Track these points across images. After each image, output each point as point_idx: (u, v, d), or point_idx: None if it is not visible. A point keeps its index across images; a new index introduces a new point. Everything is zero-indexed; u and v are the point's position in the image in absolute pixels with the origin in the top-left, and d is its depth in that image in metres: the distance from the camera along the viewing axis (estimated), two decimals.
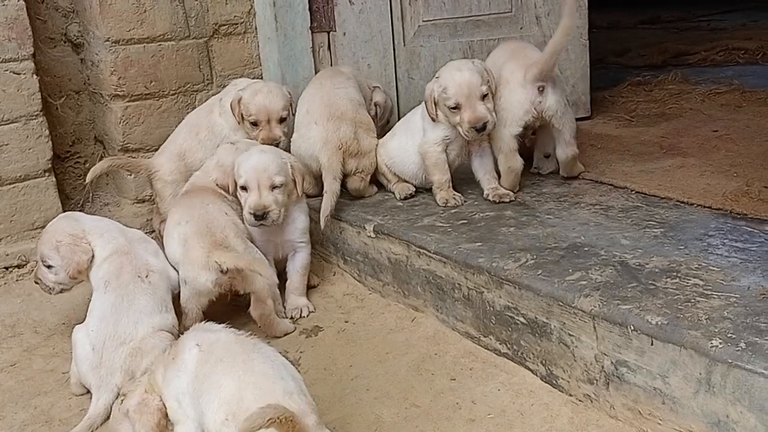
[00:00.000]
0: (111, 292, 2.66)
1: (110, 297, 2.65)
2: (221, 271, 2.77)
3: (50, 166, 3.71)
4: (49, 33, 3.89)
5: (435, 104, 3.21)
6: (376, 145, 3.54)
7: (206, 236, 2.83)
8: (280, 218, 2.99)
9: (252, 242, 3.04)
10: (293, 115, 3.58)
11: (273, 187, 2.97)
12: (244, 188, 2.99)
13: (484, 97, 3.13)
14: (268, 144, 3.36)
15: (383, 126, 3.90)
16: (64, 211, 3.70)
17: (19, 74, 3.55)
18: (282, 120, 3.47)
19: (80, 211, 3.54)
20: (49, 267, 2.85)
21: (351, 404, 2.49)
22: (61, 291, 2.92)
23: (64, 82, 3.97)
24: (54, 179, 3.74)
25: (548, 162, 3.61)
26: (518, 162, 3.33)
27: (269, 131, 3.44)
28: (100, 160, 4.02)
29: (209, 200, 3.00)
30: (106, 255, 2.79)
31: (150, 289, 2.69)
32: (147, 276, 2.72)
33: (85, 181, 3.62)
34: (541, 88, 3.25)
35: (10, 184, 3.61)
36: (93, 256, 2.81)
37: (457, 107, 3.14)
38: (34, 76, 3.60)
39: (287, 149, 3.41)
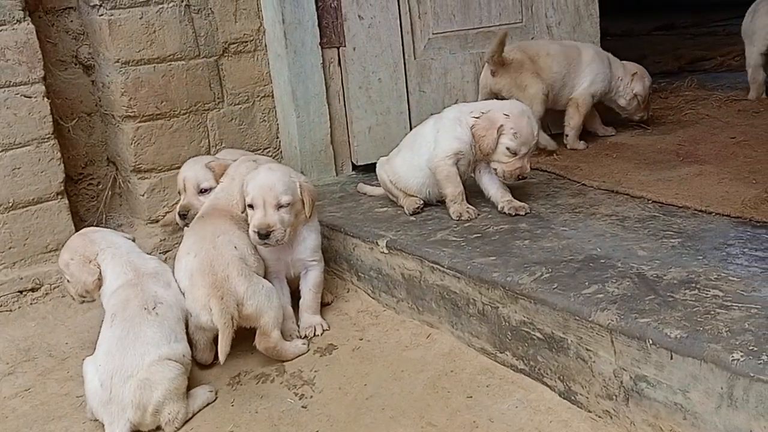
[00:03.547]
0: (117, 325, 2.62)
1: (116, 330, 2.60)
2: None
3: (63, 188, 3.69)
4: (59, 56, 3.89)
5: (498, 136, 3.17)
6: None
7: (208, 275, 2.78)
8: (285, 238, 2.93)
9: (265, 274, 3.01)
10: None
11: (279, 206, 2.92)
12: (251, 206, 2.96)
13: None
14: None
15: (644, 114, 4.37)
16: None
17: (30, 97, 3.54)
18: None
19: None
20: (68, 280, 2.94)
21: (366, 424, 2.45)
22: (83, 302, 3.00)
23: (75, 104, 3.97)
24: (67, 201, 3.72)
25: None
26: (761, 74, 4.66)
27: None
28: (113, 181, 4.04)
29: (222, 230, 2.94)
30: (117, 285, 2.80)
31: (157, 320, 2.64)
32: (154, 308, 2.67)
33: (98, 202, 3.61)
34: None
35: (23, 207, 3.60)
36: (100, 278, 2.86)
37: (515, 154, 3.17)
38: (45, 99, 3.59)
39: None
